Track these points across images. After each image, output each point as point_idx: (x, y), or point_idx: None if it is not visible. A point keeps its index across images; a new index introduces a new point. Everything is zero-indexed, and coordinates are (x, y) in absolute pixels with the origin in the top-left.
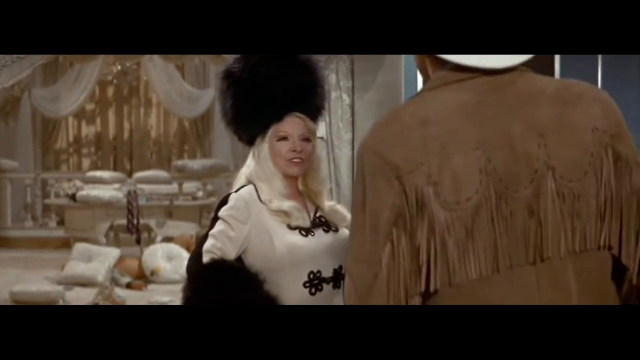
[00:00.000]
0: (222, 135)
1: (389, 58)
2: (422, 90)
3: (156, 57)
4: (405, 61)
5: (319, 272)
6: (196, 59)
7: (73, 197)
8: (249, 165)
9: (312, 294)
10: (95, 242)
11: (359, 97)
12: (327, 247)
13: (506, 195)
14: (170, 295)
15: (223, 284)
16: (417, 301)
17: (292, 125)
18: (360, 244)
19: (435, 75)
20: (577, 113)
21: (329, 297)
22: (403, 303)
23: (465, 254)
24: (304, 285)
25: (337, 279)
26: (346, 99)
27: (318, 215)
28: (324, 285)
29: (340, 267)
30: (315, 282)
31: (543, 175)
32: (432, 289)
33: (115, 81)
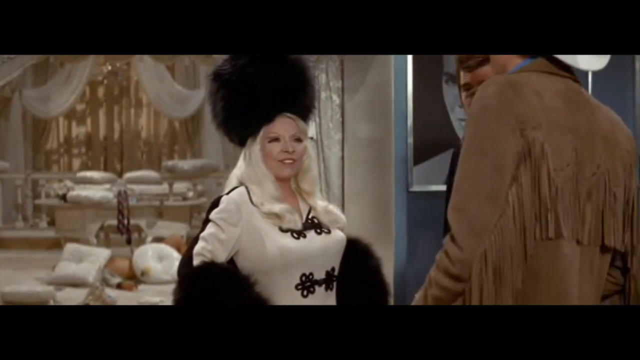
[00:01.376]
0: (212, 136)
1: (378, 58)
2: (523, 70)
3: (146, 57)
4: (395, 61)
5: (310, 274)
6: (186, 59)
7: (63, 197)
8: (240, 167)
9: (304, 296)
10: (86, 242)
11: (349, 97)
12: (319, 249)
13: (578, 177)
14: (160, 295)
15: (213, 286)
16: (534, 247)
17: (283, 125)
18: (479, 181)
19: (533, 61)
20: (619, 133)
21: (321, 299)
22: (523, 246)
23: (555, 212)
24: (296, 288)
25: (329, 280)
26: (336, 99)
27: (310, 216)
28: (316, 287)
29: (333, 269)
30: (307, 284)
31: (602, 172)
32: (550, 235)
33: (105, 81)
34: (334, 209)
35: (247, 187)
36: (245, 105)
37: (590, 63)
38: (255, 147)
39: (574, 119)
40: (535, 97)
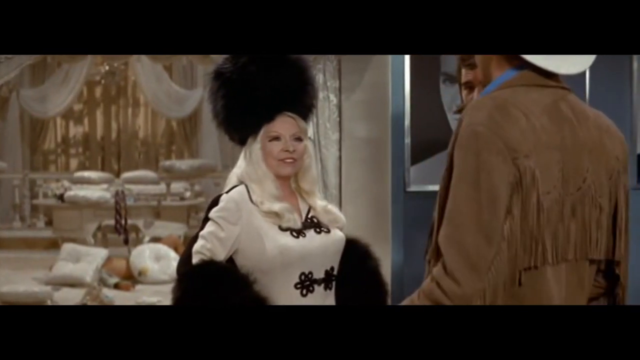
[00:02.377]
0: (210, 135)
1: (376, 58)
2: (511, 84)
3: (144, 57)
4: (392, 61)
5: (310, 273)
6: (184, 59)
7: (61, 197)
8: (240, 166)
9: (303, 295)
10: (83, 242)
11: (346, 97)
12: (318, 248)
13: (564, 196)
14: (157, 295)
15: (212, 284)
16: (522, 276)
17: (284, 124)
18: (474, 215)
19: (520, 73)
20: (608, 141)
21: (320, 298)
22: (516, 277)
23: (541, 239)
24: (295, 287)
25: (328, 280)
26: (333, 98)
27: (310, 215)
28: (315, 287)
29: (332, 268)
30: (306, 283)
31: (588, 186)
32: (534, 263)
33: (102, 81)
34: (333, 208)
35: (247, 186)
36: (246, 104)
37: (570, 68)
38: (255, 146)
39: (561, 135)
40: (523, 118)
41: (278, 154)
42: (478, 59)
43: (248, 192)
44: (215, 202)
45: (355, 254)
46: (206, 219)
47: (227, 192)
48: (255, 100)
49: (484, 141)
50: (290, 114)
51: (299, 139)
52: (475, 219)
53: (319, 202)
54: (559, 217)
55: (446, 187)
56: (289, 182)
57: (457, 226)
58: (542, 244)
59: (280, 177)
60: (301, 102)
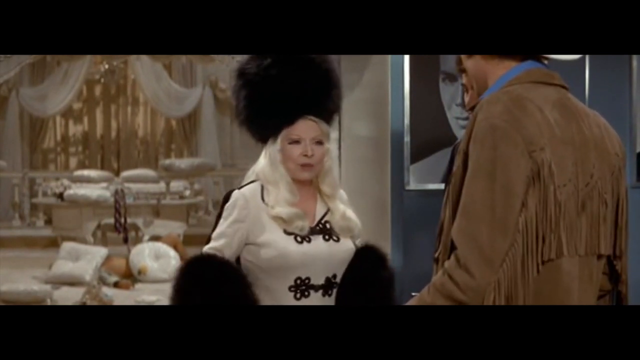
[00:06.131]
0: (209, 134)
1: (375, 57)
2: (520, 80)
3: (143, 56)
4: (392, 60)
5: (307, 278)
6: (183, 58)
7: (60, 196)
8: (260, 163)
9: (296, 299)
10: (83, 241)
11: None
12: (322, 255)
13: (577, 190)
14: (157, 294)
15: (206, 278)
16: (539, 269)
17: (304, 128)
18: (489, 208)
19: (527, 70)
20: (607, 138)
21: (316, 303)
22: (532, 270)
23: (557, 231)
24: (289, 289)
25: (328, 286)
26: None
27: (324, 220)
28: (312, 292)
29: (334, 276)
30: (301, 288)
31: (595, 182)
32: (552, 256)
33: (102, 80)
34: (352, 215)
35: (263, 184)
36: (267, 106)
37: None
38: (275, 148)
39: (570, 130)
40: (538, 112)
41: (297, 158)
42: (468, 65)
43: (262, 191)
44: (227, 198)
45: (369, 261)
46: (219, 215)
47: (240, 187)
48: (276, 103)
49: (502, 134)
50: (312, 117)
51: (320, 143)
52: (490, 211)
53: (340, 207)
54: (574, 211)
55: (460, 183)
56: (310, 183)
57: (472, 218)
58: (558, 236)
59: (298, 180)
60: (324, 106)
